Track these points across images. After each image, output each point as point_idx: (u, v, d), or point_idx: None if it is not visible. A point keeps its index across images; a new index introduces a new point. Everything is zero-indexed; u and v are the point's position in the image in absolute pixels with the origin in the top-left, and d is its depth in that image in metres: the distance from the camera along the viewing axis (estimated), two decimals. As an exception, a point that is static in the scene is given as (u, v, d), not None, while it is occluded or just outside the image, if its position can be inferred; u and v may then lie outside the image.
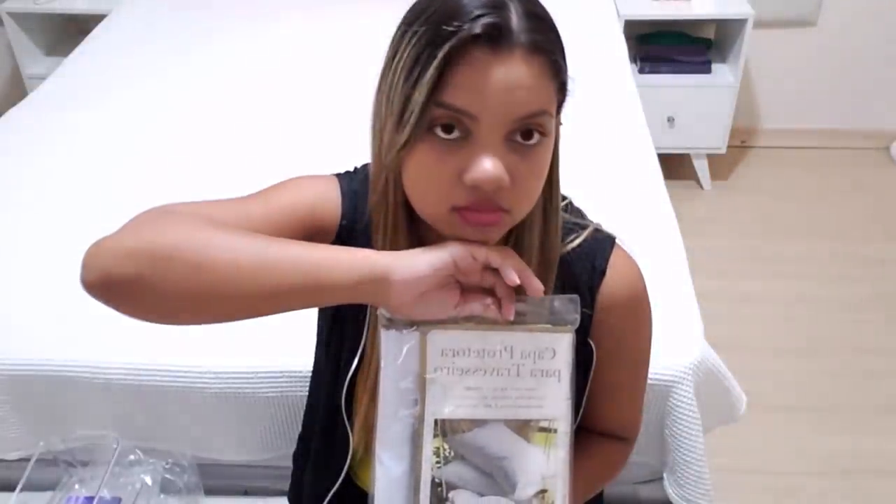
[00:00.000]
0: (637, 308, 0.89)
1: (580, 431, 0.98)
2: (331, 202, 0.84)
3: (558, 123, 0.76)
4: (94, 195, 1.72)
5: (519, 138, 0.68)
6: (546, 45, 0.68)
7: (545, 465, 0.70)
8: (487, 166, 0.66)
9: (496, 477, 0.69)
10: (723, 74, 2.82)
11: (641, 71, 2.80)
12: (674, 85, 2.79)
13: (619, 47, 2.35)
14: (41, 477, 1.19)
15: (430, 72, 0.65)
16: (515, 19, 0.66)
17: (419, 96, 0.66)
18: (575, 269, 0.85)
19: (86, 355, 1.28)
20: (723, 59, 2.89)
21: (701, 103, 2.81)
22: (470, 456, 0.69)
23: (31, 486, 1.12)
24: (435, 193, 0.70)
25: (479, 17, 0.65)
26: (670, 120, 2.82)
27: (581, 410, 0.93)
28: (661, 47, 2.84)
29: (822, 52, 3.02)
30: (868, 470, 1.92)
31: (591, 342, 0.87)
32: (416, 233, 0.78)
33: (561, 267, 0.84)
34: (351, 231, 0.84)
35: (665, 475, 1.30)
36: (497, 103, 0.66)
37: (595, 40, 2.36)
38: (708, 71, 2.81)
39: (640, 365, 0.94)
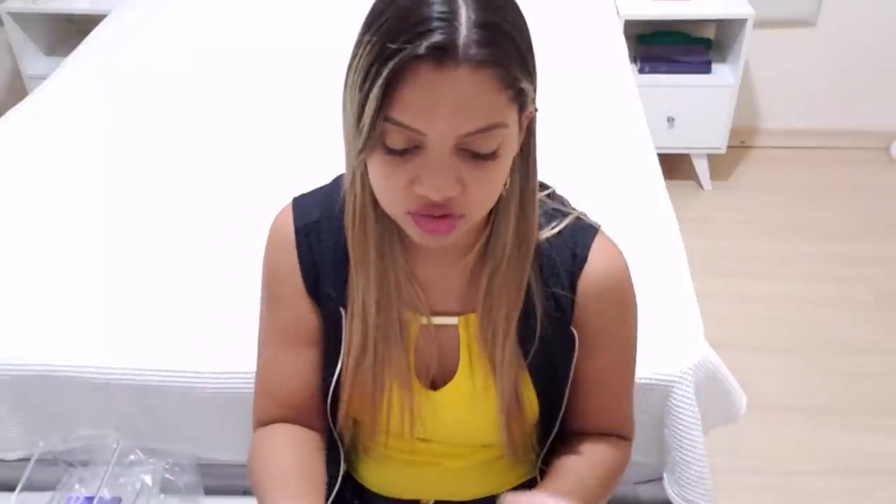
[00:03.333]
0: (619, 294, 0.88)
1: (574, 438, 0.97)
2: (286, 263, 0.90)
3: (531, 112, 0.76)
4: (93, 195, 1.72)
5: (471, 150, 0.69)
6: (495, 57, 0.66)
7: None
8: (434, 182, 0.69)
9: None
10: (723, 74, 2.81)
11: (641, 71, 2.80)
12: (674, 85, 2.78)
13: (619, 47, 2.35)
14: (41, 477, 1.19)
15: (376, 90, 0.66)
16: (464, 31, 0.65)
17: (369, 110, 0.67)
18: (556, 255, 0.85)
19: (86, 355, 1.28)
20: (723, 59, 2.89)
21: (701, 103, 2.81)
22: None
23: (31, 486, 1.12)
24: (390, 198, 0.73)
25: (426, 32, 0.64)
26: (670, 120, 2.82)
27: (564, 400, 0.92)
28: (661, 47, 2.84)
29: (822, 52, 3.02)
30: (868, 470, 1.92)
31: (574, 329, 0.87)
32: (384, 221, 0.81)
33: (541, 253, 0.85)
34: (316, 269, 0.89)
35: (665, 475, 1.30)
36: (443, 122, 0.66)
37: (595, 40, 2.36)
38: (708, 71, 2.81)
39: (625, 355, 0.93)
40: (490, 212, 0.81)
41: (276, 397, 0.94)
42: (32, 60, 2.98)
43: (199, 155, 1.87)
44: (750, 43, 2.71)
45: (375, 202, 0.79)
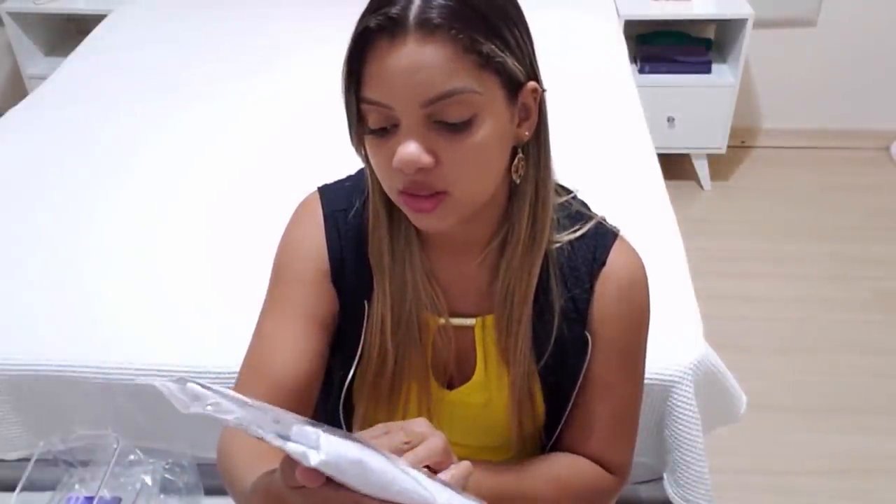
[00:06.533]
0: (634, 300, 0.87)
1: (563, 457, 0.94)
2: (314, 242, 0.87)
3: (538, 91, 0.76)
4: (93, 195, 1.72)
5: (442, 120, 0.70)
6: (447, 21, 0.67)
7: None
8: (403, 151, 0.70)
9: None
10: (723, 74, 2.82)
11: (641, 71, 2.80)
12: (674, 85, 2.79)
13: (619, 47, 2.35)
14: (41, 477, 1.19)
15: (344, 70, 0.71)
16: (417, 2, 0.67)
17: (344, 92, 0.72)
18: (577, 257, 0.85)
19: (86, 355, 1.28)
20: (723, 59, 2.89)
21: (701, 103, 2.81)
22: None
23: (31, 486, 1.12)
24: (383, 180, 0.75)
25: (384, 6, 0.67)
26: (670, 120, 2.82)
27: (570, 405, 0.90)
28: (661, 47, 2.84)
29: (822, 52, 3.02)
30: (868, 470, 1.92)
31: (588, 333, 0.87)
32: (398, 220, 0.82)
33: (563, 255, 0.85)
34: (342, 256, 0.87)
35: (665, 475, 1.30)
36: (401, 90, 0.68)
37: (595, 40, 2.36)
38: (708, 71, 2.81)
39: (632, 366, 0.91)
40: (507, 203, 0.82)
41: (264, 374, 0.84)
42: (32, 60, 2.98)
43: (198, 155, 1.87)
44: (750, 43, 2.71)
45: (387, 202, 0.80)
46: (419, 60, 0.67)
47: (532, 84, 0.75)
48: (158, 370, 1.26)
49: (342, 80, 0.72)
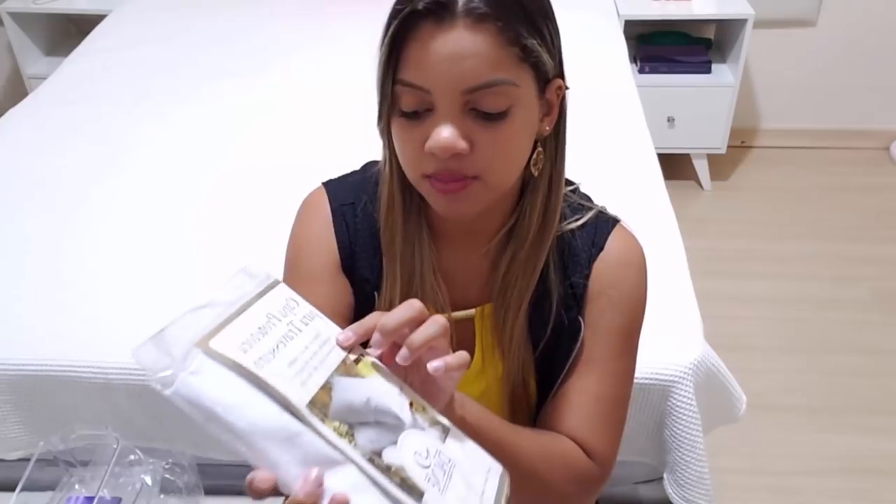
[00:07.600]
0: (628, 281, 0.87)
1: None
2: (324, 237, 0.87)
3: (560, 86, 0.77)
4: (93, 195, 1.72)
5: (479, 109, 0.70)
6: (494, 11, 0.68)
7: (390, 385, 0.63)
8: (439, 135, 0.70)
9: (383, 421, 0.61)
10: (723, 74, 2.82)
11: (641, 71, 2.80)
12: (674, 85, 2.79)
13: (619, 47, 2.35)
14: (41, 477, 1.19)
15: (383, 50, 0.70)
16: None
17: (380, 73, 0.72)
18: (577, 244, 0.86)
19: (86, 355, 1.28)
20: (723, 59, 2.89)
21: (701, 103, 2.81)
22: (353, 418, 0.60)
23: (31, 486, 1.12)
24: (408, 162, 0.75)
25: None
26: (670, 120, 2.82)
27: (559, 381, 0.88)
28: (661, 47, 2.84)
29: (822, 52, 3.02)
30: (867, 470, 1.92)
31: (581, 319, 0.86)
32: (412, 208, 0.82)
33: (564, 242, 0.86)
34: (352, 249, 0.87)
35: (665, 475, 1.30)
36: (444, 76, 0.68)
37: (595, 40, 2.36)
38: (708, 71, 2.81)
39: (622, 348, 0.87)
40: (519, 194, 0.83)
41: None
42: (32, 60, 2.99)
43: (199, 154, 1.87)
44: (750, 43, 2.71)
45: (403, 188, 0.80)
46: (465, 48, 0.67)
47: (558, 81, 0.76)
48: (158, 370, 1.26)
49: (379, 59, 0.72)
